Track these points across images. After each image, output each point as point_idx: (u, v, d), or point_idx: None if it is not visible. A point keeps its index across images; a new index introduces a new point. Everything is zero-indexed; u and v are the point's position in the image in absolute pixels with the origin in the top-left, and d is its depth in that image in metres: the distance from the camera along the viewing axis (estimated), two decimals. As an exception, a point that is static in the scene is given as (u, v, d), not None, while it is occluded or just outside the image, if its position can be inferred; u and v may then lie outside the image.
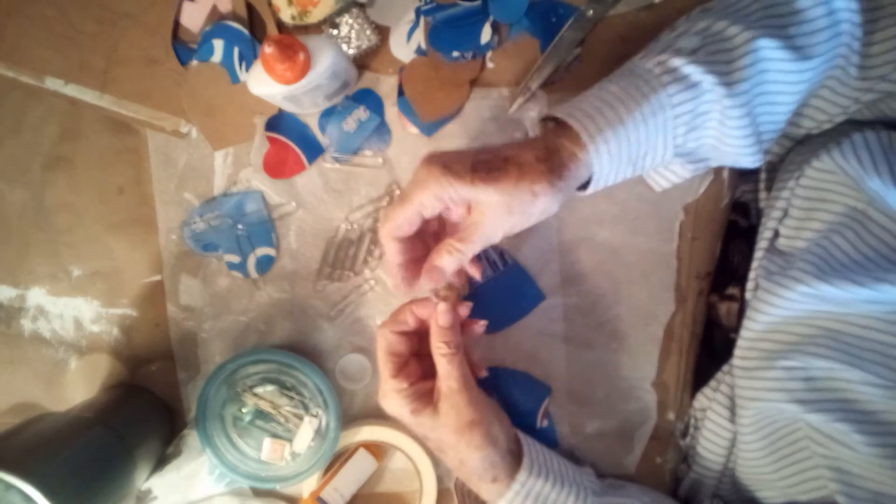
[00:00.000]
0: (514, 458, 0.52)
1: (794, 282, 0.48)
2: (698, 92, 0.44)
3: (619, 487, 0.57)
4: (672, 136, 0.46)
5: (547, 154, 0.44)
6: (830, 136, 0.51)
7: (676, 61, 0.45)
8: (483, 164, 0.44)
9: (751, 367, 0.52)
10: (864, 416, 0.46)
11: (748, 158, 0.48)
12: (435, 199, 0.44)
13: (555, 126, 0.48)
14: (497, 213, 0.44)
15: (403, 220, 0.46)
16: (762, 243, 0.54)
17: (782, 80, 0.46)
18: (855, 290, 0.46)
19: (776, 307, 0.50)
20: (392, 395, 0.51)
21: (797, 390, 0.49)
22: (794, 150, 0.56)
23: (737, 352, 0.54)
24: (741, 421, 0.54)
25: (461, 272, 0.51)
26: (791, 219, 0.52)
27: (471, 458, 0.50)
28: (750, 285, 0.55)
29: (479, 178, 0.43)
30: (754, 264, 0.55)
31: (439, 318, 0.49)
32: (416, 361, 0.53)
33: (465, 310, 0.51)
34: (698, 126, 0.47)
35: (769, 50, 0.44)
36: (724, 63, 0.45)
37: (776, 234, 0.54)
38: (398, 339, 0.51)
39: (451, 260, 0.46)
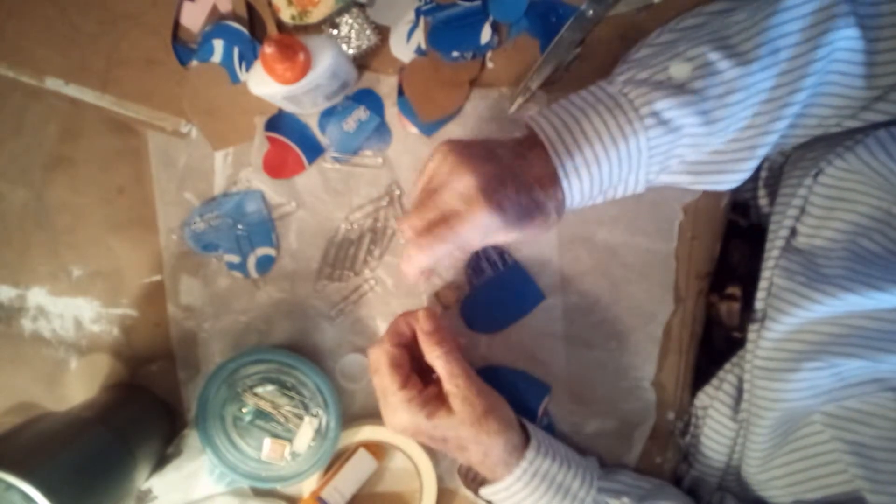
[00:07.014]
0: (524, 440, 0.53)
1: (823, 284, 0.48)
2: (677, 136, 0.46)
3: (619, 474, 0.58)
4: (645, 174, 0.48)
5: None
6: (847, 134, 0.50)
7: (662, 104, 0.45)
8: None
9: (775, 368, 0.52)
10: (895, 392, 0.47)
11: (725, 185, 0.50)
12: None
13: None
14: None
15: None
16: (778, 242, 0.53)
17: (768, 109, 0.46)
18: (887, 288, 0.46)
19: (803, 308, 0.49)
20: (403, 407, 0.51)
21: (823, 387, 0.49)
22: (804, 146, 0.55)
23: (759, 353, 0.53)
24: (757, 422, 0.53)
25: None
26: (810, 217, 0.52)
27: (494, 445, 0.51)
28: (763, 284, 0.54)
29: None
30: (769, 263, 0.54)
31: (422, 324, 0.51)
32: (416, 375, 0.53)
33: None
34: (672, 166, 0.49)
35: (760, 83, 0.45)
36: (712, 99, 0.45)
37: (793, 232, 0.53)
38: (400, 351, 0.52)
39: (420, 257, 0.46)
